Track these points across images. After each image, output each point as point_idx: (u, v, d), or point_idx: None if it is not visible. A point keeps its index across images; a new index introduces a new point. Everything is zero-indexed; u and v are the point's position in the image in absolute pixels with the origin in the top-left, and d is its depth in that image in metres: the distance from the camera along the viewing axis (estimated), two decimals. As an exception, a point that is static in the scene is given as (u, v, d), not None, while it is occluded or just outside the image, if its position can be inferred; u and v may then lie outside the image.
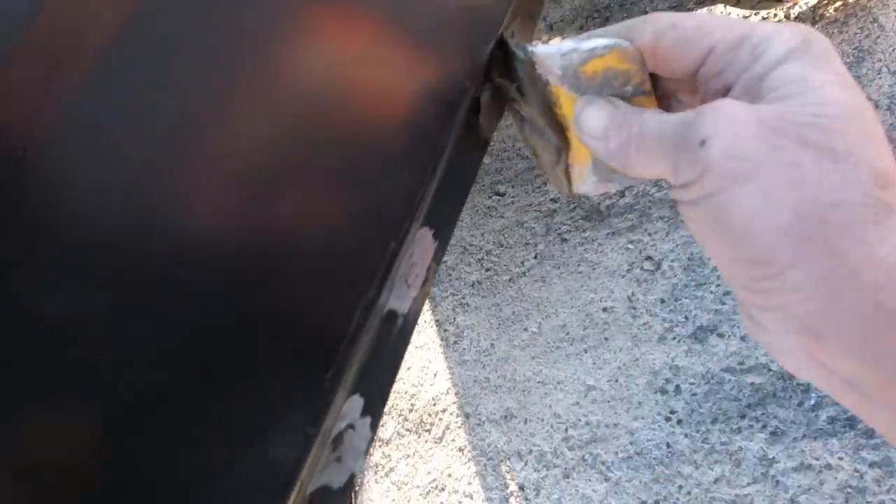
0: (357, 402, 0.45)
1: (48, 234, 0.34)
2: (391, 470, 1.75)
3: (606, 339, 1.30)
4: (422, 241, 0.50)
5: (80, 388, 0.34)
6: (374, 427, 0.47)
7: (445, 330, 1.75)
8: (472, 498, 1.48)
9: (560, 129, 0.40)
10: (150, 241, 0.36)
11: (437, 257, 0.53)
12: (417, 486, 1.65)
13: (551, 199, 1.55)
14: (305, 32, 0.43)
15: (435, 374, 1.73)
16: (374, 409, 0.47)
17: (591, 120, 0.37)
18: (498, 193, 1.74)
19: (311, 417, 0.41)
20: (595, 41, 0.36)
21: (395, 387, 1.85)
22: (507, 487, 1.40)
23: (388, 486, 1.75)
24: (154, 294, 0.36)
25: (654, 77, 0.37)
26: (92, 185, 0.35)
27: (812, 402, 0.97)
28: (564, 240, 1.47)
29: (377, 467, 1.82)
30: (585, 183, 0.42)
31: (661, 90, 0.38)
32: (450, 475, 1.56)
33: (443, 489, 1.57)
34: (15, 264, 0.32)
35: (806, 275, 0.27)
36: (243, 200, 0.38)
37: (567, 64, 0.36)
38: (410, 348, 1.85)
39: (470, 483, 1.50)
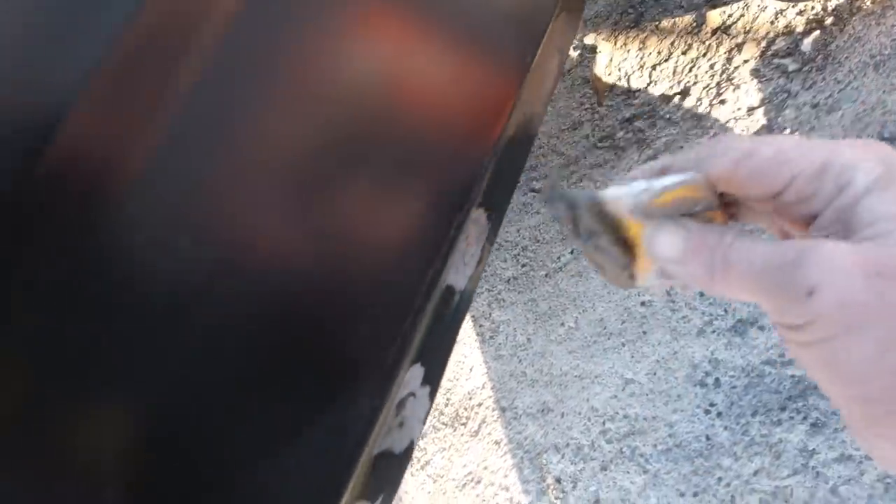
0: (418, 371, 0.48)
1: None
2: (427, 463, 1.78)
3: (645, 332, 1.31)
4: (477, 221, 0.53)
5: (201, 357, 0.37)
6: (432, 397, 0.50)
7: (481, 325, 1.77)
8: (508, 490, 1.49)
9: (626, 247, 0.39)
10: (253, 227, 0.40)
11: (491, 238, 0.56)
12: (453, 479, 1.67)
13: (587, 195, 1.56)
14: (386, 35, 0.46)
15: (471, 369, 1.75)
16: (434, 379, 0.49)
17: (666, 246, 0.36)
18: (533, 190, 1.75)
19: (379, 387, 0.44)
20: (668, 179, 0.35)
21: (431, 381, 1.88)
22: (544, 480, 1.41)
23: (423, 478, 1.77)
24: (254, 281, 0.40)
25: (730, 202, 0.37)
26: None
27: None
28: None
29: (413, 461, 1.85)
30: (649, 280, 0.41)
31: (740, 212, 0.38)
32: (486, 468, 1.58)
33: (479, 482, 1.59)
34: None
35: None
36: (331, 187, 0.42)
37: (639, 201, 0.36)
38: (446, 344, 1.88)
39: (506, 476, 1.51)
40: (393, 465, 0.47)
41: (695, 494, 1.13)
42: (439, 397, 1.82)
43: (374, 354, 0.43)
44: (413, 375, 0.47)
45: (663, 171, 0.36)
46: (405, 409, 0.47)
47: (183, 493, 0.37)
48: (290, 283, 0.42)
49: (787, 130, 1.20)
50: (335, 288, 0.43)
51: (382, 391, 0.44)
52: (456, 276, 0.51)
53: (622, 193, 0.36)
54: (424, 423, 0.49)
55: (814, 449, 0.98)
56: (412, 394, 0.47)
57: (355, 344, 0.44)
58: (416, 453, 1.83)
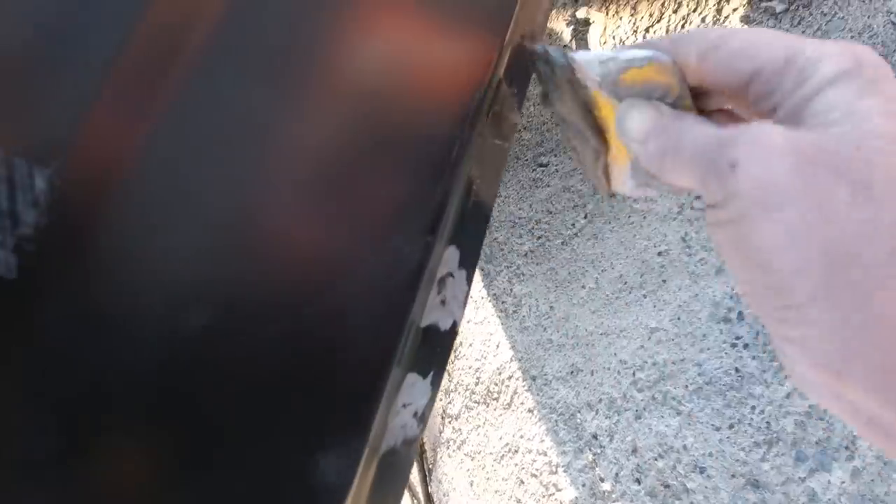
0: (454, 252, 0.51)
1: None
2: (463, 442, 1.80)
3: (664, 281, 1.33)
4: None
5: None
6: (468, 281, 0.53)
7: (503, 302, 1.80)
8: (545, 455, 1.51)
9: (599, 130, 0.41)
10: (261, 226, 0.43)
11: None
12: (490, 453, 1.69)
13: (595, 160, 1.59)
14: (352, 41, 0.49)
15: (497, 345, 1.78)
16: (469, 263, 0.52)
17: (635, 122, 0.36)
18: (541, 165, 1.79)
19: (419, 261, 0.47)
20: (634, 52, 0.36)
21: (459, 363, 1.90)
22: (581, 438, 1.43)
23: (461, 458, 1.79)
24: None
25: (703, 91, 0.37)
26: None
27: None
28: (612, 195, 1.51)
29: (448, 443, 1.87)
30: (625, 184, 0.42)
31: (712, 103, 0.37)
32: (521, 436, 1.60)
33: (516, 451, 1.61)
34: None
35: (827, 314, 0.27)
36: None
37: (605, 71, 0.37)
38: (470, 325, 1.91)
39: (542, 441, 1.53)
40: (440, 342, 0.50)
41: (730, 427, 1.15)
42: (469, 377, 1.85)
43: (412, 230, 0.47)
44: (450, 256, 0.50)
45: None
46: (446, 288, 0.50)
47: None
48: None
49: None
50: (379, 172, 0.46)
51: (421, 265, 0.47)
52: (474, 167, 0.54)
53: (590, 58, 0.37)
54: (464, 308, 0.52)
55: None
56: (451, 274, 0.50)
57: (395, 227, 0.48)
58: (451, 434, 1.85)
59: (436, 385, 0.51)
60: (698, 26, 1.43)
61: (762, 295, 0.29)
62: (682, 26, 1.47)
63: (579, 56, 0.38)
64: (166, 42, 0.43)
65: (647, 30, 1.56)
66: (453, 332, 0.52)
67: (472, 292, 1.93)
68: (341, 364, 0.42)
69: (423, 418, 0.50)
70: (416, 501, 1.98)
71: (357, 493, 0.43)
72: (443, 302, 0.51)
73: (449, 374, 1.96)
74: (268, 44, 0.46)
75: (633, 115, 0.36)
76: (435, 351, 0.50)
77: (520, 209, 1.82)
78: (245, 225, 0.43)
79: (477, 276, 1.93)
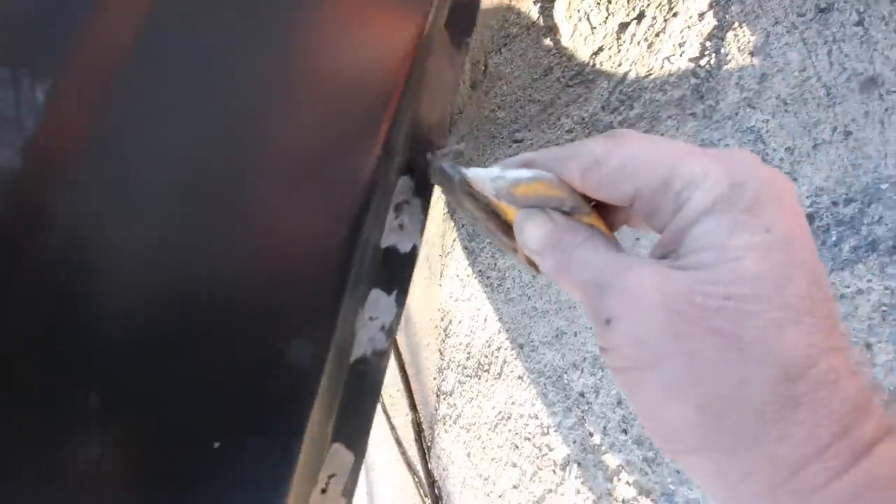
0: (408, 181, 0.55)
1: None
2: (458, 416, 1.84)
3: (638, 238, 1.38)
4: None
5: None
6: (424, 210, 0.58)
7: (488, 277, 1.85)
8: (537, 417, 1.56)
9: (508, 228, 0.41)
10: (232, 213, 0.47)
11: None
12: (485, 423, 1.73)
13: (567, 131, 1.64)
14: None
15: (485, 319, 1.82)
16: (423, 192, 0.57)
17: (531, 235, 0.36)
18: (517, 141, 1.83)
19: (370, 178, 0.51)
20: (518, 172, 0.36)
21: (450, 342, 1.95)
22: (569, 398, 1.48)
23: (457, 431, 1.84)
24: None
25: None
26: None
27: (833, 238, 1.04)
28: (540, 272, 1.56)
29: (444, 419, 1.91)
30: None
31: (611, 208, 0.37)
32: (513, 403, 1.64)
33: (509, 417, 1.65)
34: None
35: (710, 463, 0.27)
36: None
37: (497, 187, 0.37)
38: (458, 303, 1.95)
39: (533, 405, 1.58)
40: (401, 263, 0.54)
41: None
42: (460, 354, 1.89)
43: (360, 150, 0.51)
44: (405, 184, 0.55)
45: (527, 166, 0.37)
46: (403, 213, 0.54)
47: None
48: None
49: (736, 25, 1.28)
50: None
51: (373, 187, 0.51)
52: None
53: (482, 174, 0.38)
54: (421, 236, 0.56)
55: (805, 297, 1.05)
56: (406, 201, 0.55)
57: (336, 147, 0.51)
58: (447, 410, 1.89)
59: (400, 303, 0.55)
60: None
61: (655, 437, 0.29)
62: (641, -6, 1.51)
63: (471, 173, 0.40)
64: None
65: (609, 0, 1.60)
66: (413, 254, 0.56)
67: (457, 271, 1.97)
68: (305, 270, 0.46)
69: (390, 331, 0.54)
70: (416, 479, 2.02)
71: (331, 390, 0.47)
72: (401, 226, 0.55)
73: (441, 353, 2.00)
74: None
75: (528, 228, 0.36)
76: (396, 270, 0.54)
77: (499, 186, 1.87)
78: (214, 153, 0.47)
79: (462, 254, 1.97)
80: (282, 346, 0.43)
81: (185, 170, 0.44)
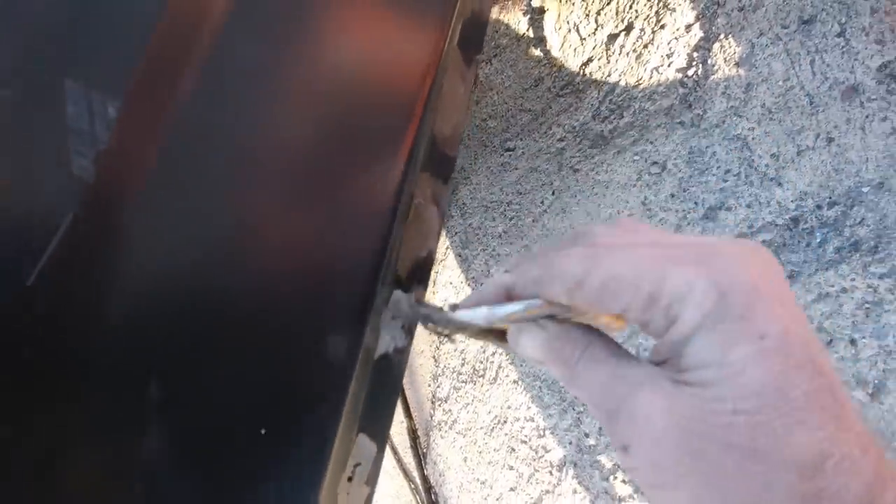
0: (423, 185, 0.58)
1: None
2: (454, 422, 1.86)
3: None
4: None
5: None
6: (441, 215, 0.61)
7: (482, 283, 1.88)
8: (533, 420, 1.59)
9: (502, 335, 0.41)
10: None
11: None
12: (481, 428, 1.75)
13: (559, 139, 1.68)
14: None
15: (479, 325, 1.85)
16: (438, 202, 0.60)
17: (527, 348, 0.37)
18: (508, 149, 1.87)
19: (398, 192, 0.54)
20: (508, 307, 0.37)
21: (444, 348, 1.97)
22: (564, 400, 1.51)
23: (453, 437, 1.86)
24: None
25: None
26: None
27: (818, 240, 1.08)
28: (576, 170, 1.60)
29: (440, 425, 1.93)
30: None
31: None
32: (509, 407, 1.67)
33: (505, 421, 1.68)
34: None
35: None
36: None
37: (489, 322, 0.38)
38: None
39: (529, 408, 1.60)
40: (419, 264, 0.57)
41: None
42: (455, 361, 1.91)
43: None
44: (423, 183, 0.58)
45: (507, 294, 0.38)
46: (421, 220, 0.57)
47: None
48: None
49: (722, 36, 1.33)
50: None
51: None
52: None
53: (469, 316, 0.39)
54: (437, 240, 0.59)
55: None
56: (422, 203, 0.58)
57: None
58: (442, 416, 1.91)
59: (420, 301, 0.58)
60: (645, 4, 1.52)
61: None
62: (630, 6, 1.56)
63: (459, 316, 0.41)
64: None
65: (598, 12, 1.65)
66: (430, 259, 0.59)
67: (451, 278, 2.00)
68: (342, 273, 0.49)
69: (409, 331, 0.57)
70: (412, 486, 2.03)
71: (359, 383, 0.49)
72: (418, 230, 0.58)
73: (435, 360, 2.03)
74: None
75: (525, 343, 0.37)
76: (415, 272, 0.57)
77: (491, 194, 1.90)
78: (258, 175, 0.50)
79: (455, 262, 2.00)
80: (320, 342, 0.46)
81: (242, 181, 0.47)
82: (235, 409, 0.43)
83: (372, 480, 0.56)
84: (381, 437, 0.55)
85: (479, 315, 0.38)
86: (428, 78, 0.57)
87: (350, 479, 0.53)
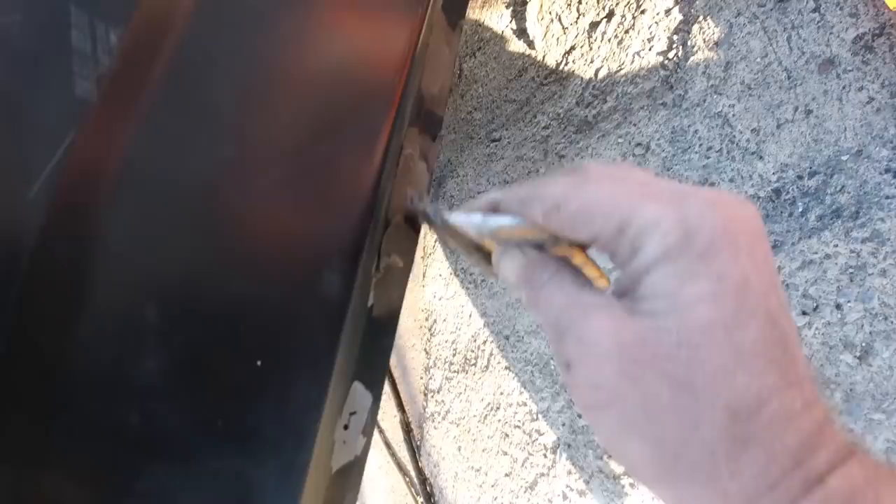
0: (414, 132, 0.59)
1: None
2: (447, 412, 1.87)
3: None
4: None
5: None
6: (430, 170, 0.61)
7: (471, 274, 1.88)
8: (525, 405, 1.59)
9: (489, 257, 0.43)
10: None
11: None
12: (474, 416, 1.76)
13: (544, 127, 1.70)
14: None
15: (470, 315, 1.85)
16: (427, 158, 0.61)
17: (507, 271, 0.38)
18: (494, 140, 1.89)
19: (389, 139, 0.55)
20: (498, 220, 0.38)
21: (435, 340, 1.97)
22: (556, 383, 1.52)
23: (446, 427, 1.86)
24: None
25: None
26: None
27: (800, 209, 1.10)
28: (562, 156, 1.61)
29: (433, 416, 1.94)
30: None
31: None
32: (501, 393, 1.68)
33: (498, 408, 1.68)
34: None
35: (669, 494, 0.29)
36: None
37: (479, 232, 0.39)
38: (442, 301, 1.99)
39: (521, 393, 1.61)
40: (407, 224, 0.58)
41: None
42: (446, 351, 1.92)
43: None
44: (412, 134, 0.59)
45: (495, 207, 0.39)
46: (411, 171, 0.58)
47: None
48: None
49: (701, 18, 1.35)
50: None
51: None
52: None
53: (461, 221, 0.41)
54: (429, 184, 0.60)
55: (779, 266, 1.11)
56: (411, 154, 0.59)
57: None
58: (435, 407, 1.92)
59: (409, 261, 0.59)
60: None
61: (622, 466, 0.32)
62: (609, -6, 1.59)
63: (453, 218, 0.42)
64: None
65: (579, 1, 1.67)
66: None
67: (440, 271, 2.01)
68: (337, 211, 0.50)
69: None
70: (407, 479, 2.03)
71: (353, 326, 0.50)
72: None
73: (427, 352, 2.03)
74: None
75: (504, 264, 0.38)
76: (406, 232, 0.58)
77: (478, 184, 1.91)
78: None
79: (443, 255, 2.01)
80: (315, 282, 0.47)
81: (241, 125, 0.49)
82: (232, 341, 0.44)
83: (368, 431, 0.56)
84: (376, 387, 0.56)
85: (473, 221, 0.39)
86: (414, 34, 0.58)
87: (346, 427, 0.53)
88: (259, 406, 0.43)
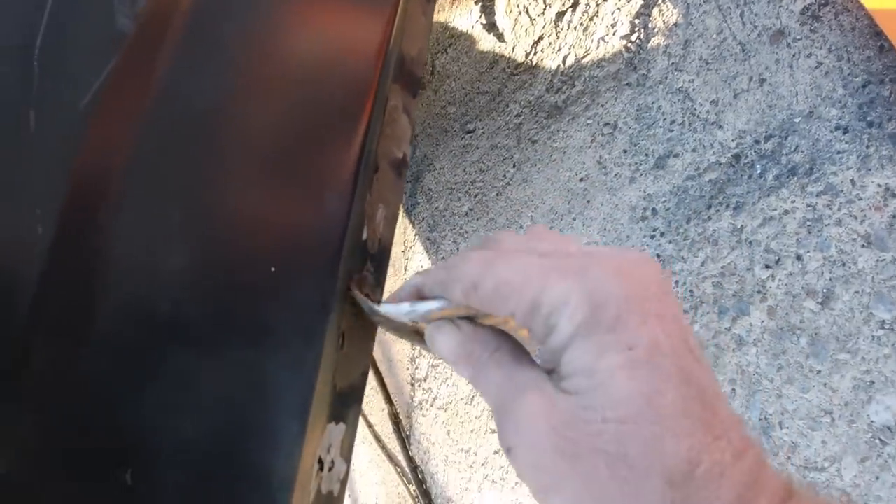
0: (397, 90, 0.64)
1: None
2: (434, 399, 1.91)
3: (588, 201, 1.50)
4: None
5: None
6: (411, 124, 0.66)
7: (452, 262, 1.93)
8: (510, 382, 1.64)
9: (422, 337, 0.43)
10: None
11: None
12: (461, 399, 1.80)
13: (516, 115, 1.76)
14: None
15: (453, 302, 1.90)
16: (409, 111, 0.66)
17: (442, 347, 0.38)
18: (468, 131, 1.95)
19: (372, 104, 0.60)
20: (425, 305, 0.39)
21: (420, 329, 2.01)
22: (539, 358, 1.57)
23: (434, 413, 1.90)
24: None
25: None
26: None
27: (758, 171, 1.17)
28: (535, 141, 1.68)
29: (421, 404, 1.97)
30: None
31: None
32: (487, 374, 1.72)
33: (484, 388, 1.72)
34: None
35: None
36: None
37: (412, 318, 0.40)
38: (425, 293, 2.02)
39: (506, 371, 1.66)
40: (394, 170, 0.63)
41: (662, 307, 1.30)
42: (431, 339, 1.96)
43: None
44: (396, 93, 0.64)
45: (419, 292, 0.40)
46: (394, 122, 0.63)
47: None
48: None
49: (660, 1, 1.42)
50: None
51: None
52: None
53: (395, 311, 0.41)
54: (410, 143, 0.64)
55: (742, 225, 1.18)
56: (395, 119, 0.63)
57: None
58: (422, 396, 1.95)
59: (394, 215, 0.64)
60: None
61: None
62: (572, -15, 1.66)
63: (384, 309, 0.44)
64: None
65: (543, -6, 1.75)
66: (405, 161, 0.65)
67: (422, 262, 2.05)
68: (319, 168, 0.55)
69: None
70: (398, 469, 2.06)
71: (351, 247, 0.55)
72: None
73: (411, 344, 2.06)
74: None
75: (439, 340, 0.38)
76: (389, 183, 0.63)
77: (455, 175, 1.97)
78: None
79: (423, 247, 2.06)
80: (311, 215, 0.53)
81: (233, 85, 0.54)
82: (249, 250, 0.50)
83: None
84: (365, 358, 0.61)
85: (402, 310, 0.40)
86: (394, 3, 0.64)
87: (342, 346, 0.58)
88: (271, 305, 0.47)
